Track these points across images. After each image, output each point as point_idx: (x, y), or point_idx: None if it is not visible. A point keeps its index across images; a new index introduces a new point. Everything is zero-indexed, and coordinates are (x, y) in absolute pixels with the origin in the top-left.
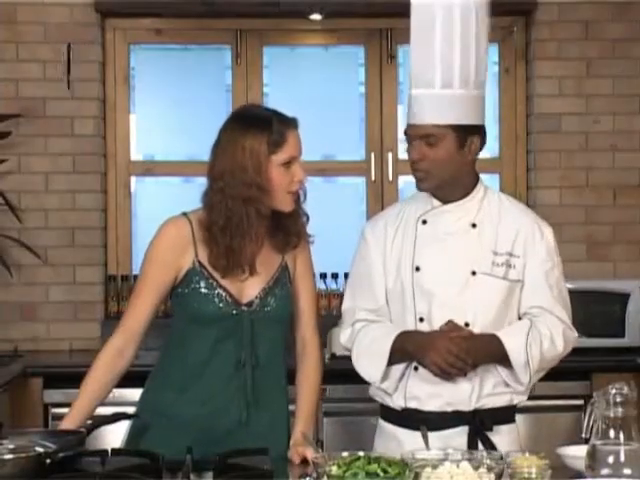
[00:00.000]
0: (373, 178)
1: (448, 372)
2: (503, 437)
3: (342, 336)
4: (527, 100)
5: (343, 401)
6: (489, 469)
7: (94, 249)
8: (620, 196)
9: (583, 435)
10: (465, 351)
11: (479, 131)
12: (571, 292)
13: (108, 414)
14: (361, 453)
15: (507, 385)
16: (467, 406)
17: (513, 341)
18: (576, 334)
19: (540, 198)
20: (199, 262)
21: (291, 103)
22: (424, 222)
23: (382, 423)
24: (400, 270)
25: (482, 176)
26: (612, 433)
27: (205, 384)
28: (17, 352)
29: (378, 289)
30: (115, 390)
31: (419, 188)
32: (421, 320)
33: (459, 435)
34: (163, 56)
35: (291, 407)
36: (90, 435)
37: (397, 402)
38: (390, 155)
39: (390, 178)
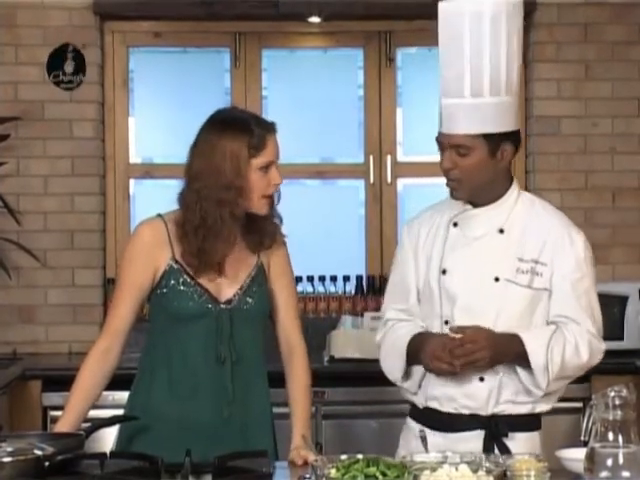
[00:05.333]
0: (372, 181)
1: (437, 372)
2: (520, 444)
3: (377, 335)
4: (526, 102)
5: (342, 404)
6: (488, 472)
7: (93, 252)
8: (619, 199)
9: (582, 438)
10: (451, 352)
11: (512, 137)
12: None
13: (106, 417)
14: (360, 456)
15: (528, 392)
16: (484, 410)
17: (534, 342)
18: (603, 346)
19: None
20: (176, 261)
21: (290, 106)
22: (455, 224)
23: (408, 420)
24: (429, 272)
25: None
26: (611, 436)
27: (189, 381)
28: (16, 355)
29: (410, 289)
30: (113, 393)
31: (453, 197)
32: (446, 323)
33: (476, 438)
34: (162, 59)
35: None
36: (89, 438)
37: (420, 401)
38: (389, 158)
39: (389, 181)
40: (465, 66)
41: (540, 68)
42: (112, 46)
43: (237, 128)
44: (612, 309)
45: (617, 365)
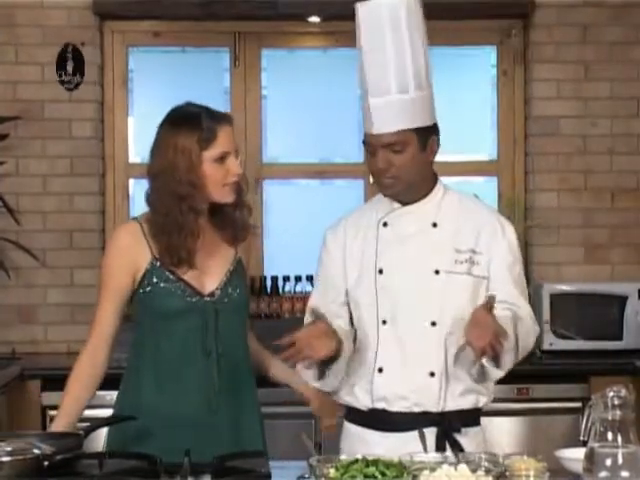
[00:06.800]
0: (371, 180)
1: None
2: (470, 439)
3: None
4: (525, 103)
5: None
6: (487, 472)
7: (92, 251)
8: (618, 199)
9: (581, 438)
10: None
11: (435, 130)
12: (569, 295)
13: (105, 417)
14: (359, 456)
15: (483, 376)
16: (435, 407)
17: (505, 325)
18: (539, 329)
19: (538, 201)
20: (156, 258)
21: (289, 105)
22: (385, 224)
23: (347, 425)
24: (362, 273)
25: (480, 179)
26: (610, 436)
27: (178, 376)
28: (15, 354)
29: (336, 293)
30: (111, 392)
31: (386, 194)
32: (384, 322)
33: (427, 435)
34: (161, 58)
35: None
36: (87, 437)
37: (364, 402)
38: None
39: None
40: (389, 63)
41: (539, 68)
42: (111, 46)
43: (188, 123)
44: (611, 309)
45: (616, 365)
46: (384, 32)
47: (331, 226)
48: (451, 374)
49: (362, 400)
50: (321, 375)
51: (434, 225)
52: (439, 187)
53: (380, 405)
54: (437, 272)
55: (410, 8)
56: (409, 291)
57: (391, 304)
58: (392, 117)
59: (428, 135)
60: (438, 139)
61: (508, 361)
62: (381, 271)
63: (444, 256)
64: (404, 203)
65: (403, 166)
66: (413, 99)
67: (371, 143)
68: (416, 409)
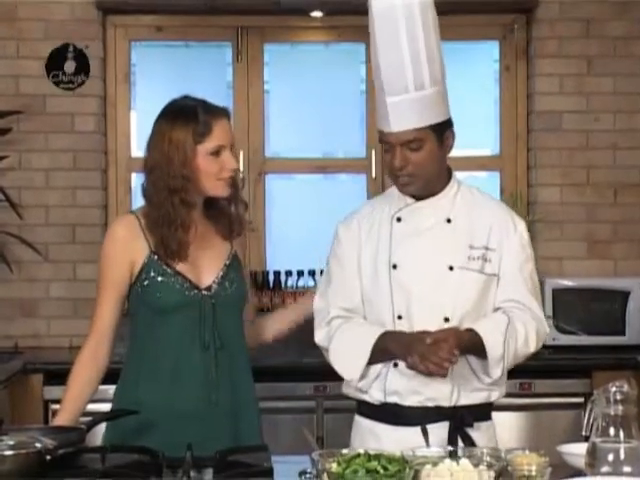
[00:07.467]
0: (374, 175)
1: (430, 372)
2: (482, 433)
3: (317, 335)
4: (528, 98)
5: (343, 398)
6: (489, 466)
7: (94, 246)
8: (621, 194)
9: (583, 433)
10: (423, 357)
11: (450, 124)
12: (572, 290)
13: (107, 411)
14: (361, 450)
15: (477, 379)
16: (448, 402)
17: (492, 337)
18: (548, 329)
19: (541, 196)
20: (154, 252)
21: (292, 100)
22: (399, 219)
23: (358, 418)
24: (377, 268)
25: (483, 174)
26: (612, 431)
27: (176, 370)
28: (17, 348)
29: (353, 288)
30: (114, 387)
31: (403, 192)
32: (399, 317)
33: (439, 430)
34: (164, 53)
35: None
36: (90, 432)
37: (376, 397)
38: None
39: None
40: (405, 61)
41: (542, 63)
42: (114, 40)
43: (183, 116)
44: (614, 304)
45: (618, 360)
46: (398, 28)
47: (343, 220)
48: (462, 378)
49: (374, 394)
50: (362, 374)
51: (448, 221)
52: (453, 182)
53: (392, 399)
54: (451, 268)
55: (423, 2)
56: (423, 286)
57: (405, 299)
58: (409, 115)
59: (444, 130)
60: (453, 133)
61: (496, 371)
62: (395, 266)
63: (458, 252)
64: (418, 198)
65: (420, 164)
66: (429, 95)
67: (388, 141)
68: (429, 404)
